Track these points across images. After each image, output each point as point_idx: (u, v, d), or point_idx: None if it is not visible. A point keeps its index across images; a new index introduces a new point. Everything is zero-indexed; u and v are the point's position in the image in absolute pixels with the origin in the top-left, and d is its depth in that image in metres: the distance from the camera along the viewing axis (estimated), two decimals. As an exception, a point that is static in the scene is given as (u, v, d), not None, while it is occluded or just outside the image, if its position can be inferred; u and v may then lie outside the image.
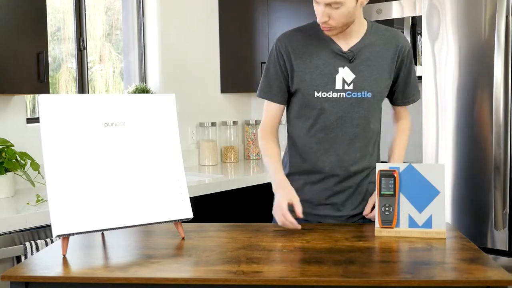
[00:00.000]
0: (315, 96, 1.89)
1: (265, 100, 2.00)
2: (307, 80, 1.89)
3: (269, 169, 1.96)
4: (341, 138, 1.91)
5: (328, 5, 1.78)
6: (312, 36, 1.92)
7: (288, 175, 1.98)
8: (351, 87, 1.88)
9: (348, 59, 1.88)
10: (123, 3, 3.69)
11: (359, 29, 1.91)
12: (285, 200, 1.80)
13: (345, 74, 1.88)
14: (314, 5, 1.84)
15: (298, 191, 1.91)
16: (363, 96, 1.89)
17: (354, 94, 1.88)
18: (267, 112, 2.01)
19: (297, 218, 1.83)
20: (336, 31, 1.85)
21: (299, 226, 1.77)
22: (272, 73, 1.96)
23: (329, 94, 1.88)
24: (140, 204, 1.63)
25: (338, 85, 1.88)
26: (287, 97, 1.98)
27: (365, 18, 1.95)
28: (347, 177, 1.94)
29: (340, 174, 1.93)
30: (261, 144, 2.00)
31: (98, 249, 1.65)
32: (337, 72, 1.88)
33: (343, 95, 1.88)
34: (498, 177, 2.32)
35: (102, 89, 3.63)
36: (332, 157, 1.92)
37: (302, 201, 1.87)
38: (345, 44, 1.90)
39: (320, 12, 1.81)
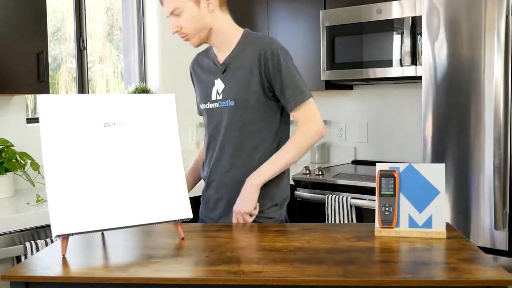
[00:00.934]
0: (202, 107, 2.06)
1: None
2: (198, 94, 2.09)
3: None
4: (215, 146, 2.02)
5: (172, 14, 1.94)
6: (207, 54, 2.09)
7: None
8: (220, 97, 1.99)
9: (221, 71, 1.99)
10: (123, 3, 3.69)
11: (231, 40, 1.99)
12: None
13: (218, 86, 2.00)
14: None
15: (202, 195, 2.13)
16: (227, 105, 1.96)
17: (222, 103, 1.98)
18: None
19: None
20: (195, 39, 1.97)
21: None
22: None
23: (207, 105, 2.03)
24: (140, 204, 1.63)
25: (214, 96, 2.01)
26: None
27: (245, 28, 2.03)
28: (223, 184, 2.01)
29: (215, 179, 2.03)
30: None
31: (98, 249, 1.65)
32: (213, 84, 2.01)
33: (216, 105, 2.00)
34: (498, 177, 2.32)
35: (102, 89, 3.63)
36: (209, 163, 2.05)
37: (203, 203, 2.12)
38: (222, 57, 2.01)
39: (171, 24, 1.96)
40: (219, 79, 1.98)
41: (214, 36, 1.97)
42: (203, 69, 2.07)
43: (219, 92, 1.97)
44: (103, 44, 3.63)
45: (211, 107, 2.00)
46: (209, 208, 2.07)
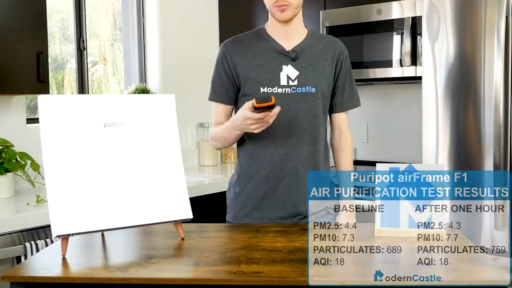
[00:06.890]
0: (261, 91, 1.97)
1: (213, 103, 2.06)
2: (252, 77, 1.97)
3: (224, 127, 1.96)
4: (289, 132, 1.96)
5: None
6: (257, 38, 2.04)
7: (238, 181, 2.04)
8: (295, 82, 1.97)
9: (291, 57, 1.98)
10: (123, 3, 3.69)
11: (300, 32, 2.02)
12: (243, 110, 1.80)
13: (289, 71, 1.97)
14: None
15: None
16: (307, 91, 1.97)
17: (299, 89, 1.97)
18: (215, 115, 2.06)
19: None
20: (290, 12, 1.94)
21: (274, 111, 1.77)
22: (216, 76, 2.05)
23: (274, 90, 1.96)
24: (140, 205, 1.63)
25: (283, 81, 1.97)
26: (234, 98, 2.04)
27: (305, 27, 2.05)
28: (296, 173, 1.97)
29: (285, 169, 1.96)
30: (213, 135, 2.04)
31: (98, 249, 1.65)
32: (281, 69, 1.97)
33: (288, 90, 1.96)
34: (498, 177, 2.32)
35: (102, 89, 3.63)
36: (281, 150, 1.96)
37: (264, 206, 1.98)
38: (288, 45, 2.00)
39: None
40: (289, 65, 1.97)
41: (297, 19, 1.99)
42: (256, 51, 1.99)
43: (292, 78, 1.97)
44: (112, 44, 3.63)
45: (279, 91, 1.95)
46: (270, 207, 1.99)
